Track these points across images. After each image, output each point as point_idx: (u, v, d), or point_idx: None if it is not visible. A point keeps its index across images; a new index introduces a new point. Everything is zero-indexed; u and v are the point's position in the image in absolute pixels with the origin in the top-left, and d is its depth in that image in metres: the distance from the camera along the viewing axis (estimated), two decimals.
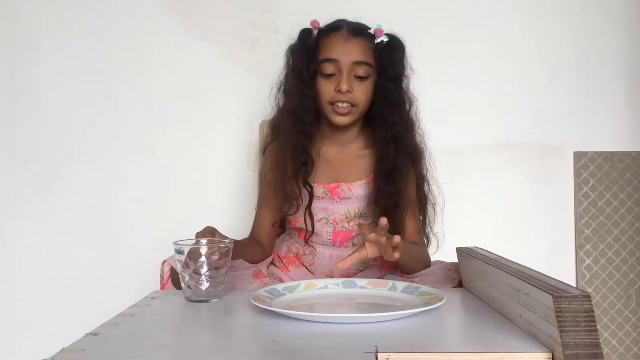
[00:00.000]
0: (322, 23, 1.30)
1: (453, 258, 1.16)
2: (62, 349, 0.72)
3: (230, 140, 1.75)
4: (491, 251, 1.04)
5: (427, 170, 1.37)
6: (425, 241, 1.38)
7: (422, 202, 1.37)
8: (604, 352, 0.71)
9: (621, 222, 1.75)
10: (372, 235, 1.04)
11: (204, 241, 1.03)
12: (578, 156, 1.75)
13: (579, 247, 1.75)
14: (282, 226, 1.43)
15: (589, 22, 1.75)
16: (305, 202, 1.29)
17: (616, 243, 1.75)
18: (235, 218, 1.67)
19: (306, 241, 1.33)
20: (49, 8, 1.75)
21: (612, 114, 1.76)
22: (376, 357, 0.69)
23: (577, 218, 1.75)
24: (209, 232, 1.09)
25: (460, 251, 1.08)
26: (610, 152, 1.75)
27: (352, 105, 1.26)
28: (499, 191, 1.75)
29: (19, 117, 1.76)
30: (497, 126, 1.75)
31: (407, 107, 1.32)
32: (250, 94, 1.71)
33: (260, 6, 1.73)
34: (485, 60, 1.75)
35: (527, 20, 1.75)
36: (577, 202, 1.75)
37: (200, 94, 1.75)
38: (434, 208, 1.39)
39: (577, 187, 1.75)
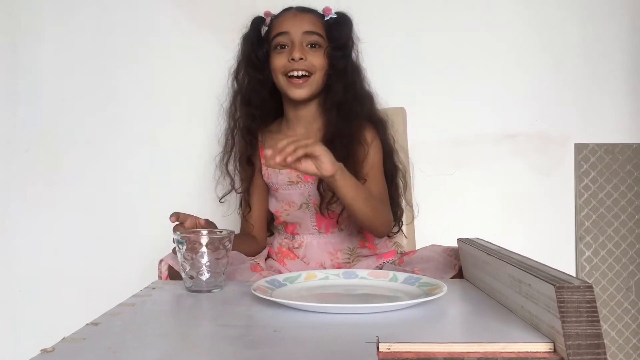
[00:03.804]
0: (333, 11, 1.35)
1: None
2: (63, 339, 0.72)
3: None
4: (492, 242, 1.04)
5: (394, 141, 1.38)
6: (399, 212, 1.39)
7: (391, 172, 1.37)
8: None
9: (621, 214, 1.75)
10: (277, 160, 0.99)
11: (204, 231, 1.03)
12: (579, 148, 1.75)
13: (579, 239, 1.75)
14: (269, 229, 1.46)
15: (592, 13, 1.74)
16: (246, 182, 1.36)
17: (616, 235, 1.75)
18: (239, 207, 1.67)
19: (245, 217, 1.39)
20: None
21: (614, 105, 1.75)
22: (378, 347, 0.69)
23: (578, 210, 1.75)
24: (188, 219, 1.12)
25: (461, 242, 1.08)
26: (611, 144, 1.75)
27: (308, 73, 1.28)
28: (500, 182, 1.74)
29: (19, 106, 1.76)
30: (499, 117, 1.74)
31: (356, 78, 1.34)
32: None
33: None
34: (488, 51, 1.74)
35: (530, 11, 1.74)
36: (578, 194, 1.75)
37: (201, 83, 1.74)
38: (404, 178, 1.41)
39: (578, 179, 1.75)
